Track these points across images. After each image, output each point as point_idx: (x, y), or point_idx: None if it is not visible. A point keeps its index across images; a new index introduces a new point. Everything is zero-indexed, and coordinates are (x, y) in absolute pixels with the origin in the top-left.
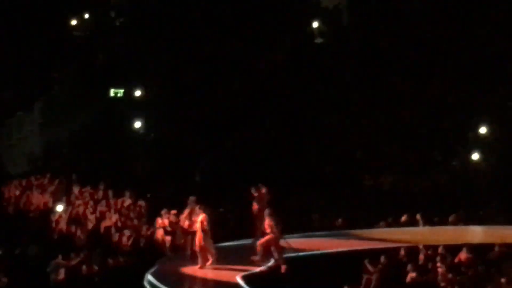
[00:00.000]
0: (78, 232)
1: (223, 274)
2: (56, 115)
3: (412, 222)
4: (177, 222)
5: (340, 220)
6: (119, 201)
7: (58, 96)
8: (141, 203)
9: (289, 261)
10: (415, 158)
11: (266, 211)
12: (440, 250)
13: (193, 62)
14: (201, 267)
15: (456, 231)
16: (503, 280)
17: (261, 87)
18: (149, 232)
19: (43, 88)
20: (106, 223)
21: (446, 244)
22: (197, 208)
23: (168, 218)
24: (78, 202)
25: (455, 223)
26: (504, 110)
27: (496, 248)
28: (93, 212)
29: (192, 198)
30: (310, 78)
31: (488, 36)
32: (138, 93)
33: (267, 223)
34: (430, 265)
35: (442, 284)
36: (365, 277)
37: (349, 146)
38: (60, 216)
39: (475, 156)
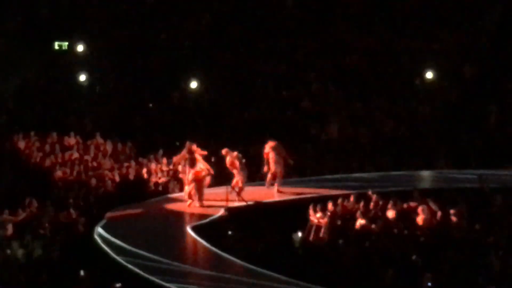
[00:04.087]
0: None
1: (173, 225)
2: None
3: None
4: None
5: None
6: (67, 154)
7: (1, 50)
8: (87, 157)
9: (239, 211)
10: (361, 106)
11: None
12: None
13: (139, 13)
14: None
15: (405, 177)
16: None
17: (207, 35)
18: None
19: None
20: (55, 176)
21: (396, 190)
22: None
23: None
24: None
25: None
26: (448, 56)
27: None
28: (40, 164)
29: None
30: (254, 27)
31: None
32: (82, 45)
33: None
34: (380, 212)
35: (395, 231)
36: (313, 224)
37: (296, 95)
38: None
39: (421, 102)
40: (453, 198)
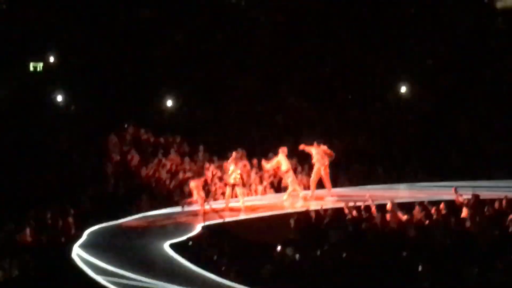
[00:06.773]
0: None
1: (153, 242)
2: None
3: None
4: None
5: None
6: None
7: None
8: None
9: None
10: (335, 119)
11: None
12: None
13: (113, 32)
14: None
15: (380, 190)
16: None
17: (181, 52)
18: None
19: None
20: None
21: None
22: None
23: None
24: None
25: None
26: (420, 67)
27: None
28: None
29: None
30: (226, 43)
31: None
32: (57, 65)
33: None
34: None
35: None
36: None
37: (269, 109)
38: None
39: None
40: (427, 209)
